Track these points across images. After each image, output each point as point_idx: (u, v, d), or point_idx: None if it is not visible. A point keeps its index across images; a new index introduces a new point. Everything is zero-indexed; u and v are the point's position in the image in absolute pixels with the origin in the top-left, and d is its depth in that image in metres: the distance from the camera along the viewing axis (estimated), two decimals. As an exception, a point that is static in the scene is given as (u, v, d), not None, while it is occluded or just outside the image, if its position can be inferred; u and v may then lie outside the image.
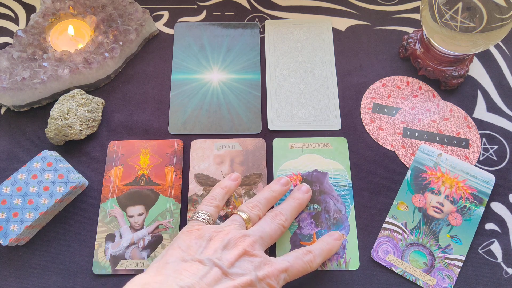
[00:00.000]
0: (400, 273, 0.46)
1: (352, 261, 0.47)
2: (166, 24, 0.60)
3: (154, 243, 0.48)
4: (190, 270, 0.37)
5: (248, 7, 0.61)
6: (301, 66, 0.57)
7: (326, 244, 0.44)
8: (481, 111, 0.54)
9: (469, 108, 0.54)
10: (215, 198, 0.44)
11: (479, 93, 0.55)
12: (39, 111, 0.55)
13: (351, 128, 0.53)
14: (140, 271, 0.46)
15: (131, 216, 0.49)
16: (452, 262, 0.46)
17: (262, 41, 0.59)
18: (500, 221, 0.49)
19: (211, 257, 0.38)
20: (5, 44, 0.59)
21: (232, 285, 0.36)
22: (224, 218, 0.49)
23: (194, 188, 0.50)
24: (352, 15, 0.60)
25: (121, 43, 0.55)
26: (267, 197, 0.45)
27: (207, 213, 0.43)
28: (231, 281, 0.37)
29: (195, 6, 0.61)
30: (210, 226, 0.41)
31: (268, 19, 0.60)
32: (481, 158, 0.51)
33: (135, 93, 0.56)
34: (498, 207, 0.49)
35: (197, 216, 0.42)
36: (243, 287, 0.37)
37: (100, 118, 0.54)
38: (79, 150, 0.53)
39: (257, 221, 0.44)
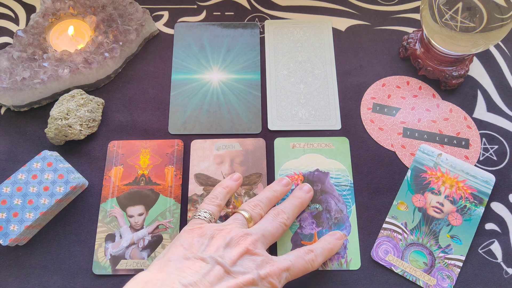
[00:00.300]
0: (400, 273, 0.46)
1: (353, 261, 0.47)
2: (166, 24, 0.60)
3: (154, 243, 0.48)
4: (193, 268, 0.37)
5: (248, 7, 0.61)
6: (301, 66, 0.57)
7: (328, 243, 0.44)
8: (481, 111, 0.54)
9: (469, 108, 0.54)
10: (216, 197, 0.44)
11: (479, 93, 0.55)
12: (39, 111, 0.55)
13: (351, 128, 0.53)
14: (140, 271, 0.46)
15: (131, 216, 0.49)
16: (452, 262, 0.46)
17: (262, 41, 0.59)
18: (500, 221, 0.49)
19: (214, 255, 0.38)
20: (5, 44, 0.59)
21: (235, 283, 0.36)
22: (224, 218, 0.49)
23: (194, 188, 0.50)
24: (352, 15, 0.60)
25: (121, 43, 0.55)
26: (269, 196, 0.45)
27: (209, 212, 0.43)
28: (234, 280, 0.37)
29: (195, 6, 0.61)
30: (212, 224, 0.41)
31: (268, 19, 0.60)
32: (481, 158, 0.51)
33: (135, 93, 0.56)
34: (498, 207, 0.49)
35: (199, 215, 0.42)
36: (245, 286, 0.37)
37: (100, 118, 0.54)
38: (79, 150, 0.52)
39: (258, 220, 0.44)
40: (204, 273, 0.36)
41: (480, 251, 0.47)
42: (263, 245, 0.41)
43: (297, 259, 0.41)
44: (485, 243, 0.48)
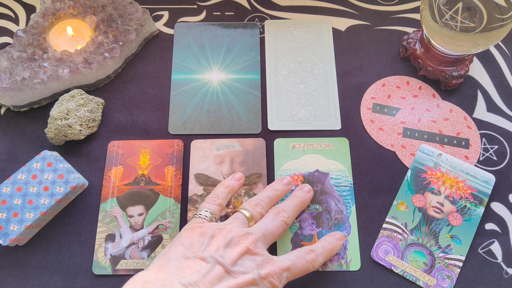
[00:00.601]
0: (400, 273, 0.46)
1: (353, 261, 0.47)
2: (166, 24, 0.60)
3: (154, 243, 0.48)
4: (193, 267, 0.37)
5: (248, 7, 0.61)
6: (301, 66, 0.57)
7: (328, 243, 0.44)
8: (481, 111, 0.54)
9: (469, 108, 0.54)
10: (218, 196, 0.44)
11: (479, 93, 0.55)
12: (39, 111, 0.55)
13: (351, 128, 0.53)
14: (140, 271, 0.46)
15: (131, 216, 0.49)
16: (452, 262, 0.46)
17: (262, 41, 0.59)
18: (500, 221, 0.49)
19: (214, 255, 0.38)
20: (5, 44, 0.59)
21: (235, 283, 0.36)
22: (224, 218, 0.49)
23: (194, 188, 0.50)
24: (352, 15, 0.60)
25: (121, 43, 0.55)
26: (270, 195, 0.45)
27: (210, 211, 0.43)
28: (234, 279, 0.37)
29: (195, 6, 0.61)
30: (213, 223, 0.41)
31: (268, 19, 0.60)
32: (481, 158, 0.51)
33: (135, 93, 0.56)
34: (498, 207, 0.49)
35: (200, 214, 0.42)
36: (246, 285, 0.37)
37: (100, 118, 0.54)
38: (79, 150, 0.52)
39: (259, 219, 0.44)
40: (204, 272, 0.36)
41: (480, 251, 0.47)
42: (264, 245, 0.41)
43: (298, 259, 0.41)
44: (485, 243, 0.48)
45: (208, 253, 0.38)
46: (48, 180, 0.47)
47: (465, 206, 0.48)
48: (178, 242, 0.39)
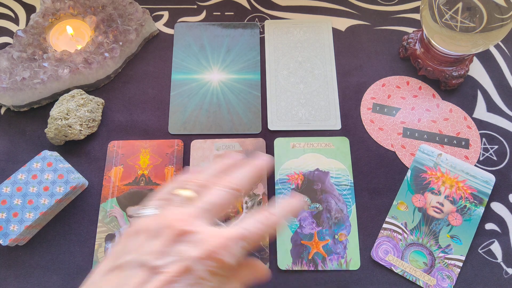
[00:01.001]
0: (400, 273, 0.46)
1: (353, 261, 0.47)
2: (166, 24, 0.60)
3: (154, 243, 0.47)
4: (109, 283, 0.29)
5: (248, 7, 0.61)
6: (301, 66, 0.57)
7: (288, 204, 0.36)
8: (481, 111, 0.54)
9: (469, 108, 0.54)
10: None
11: (479, 93, 0.55)
12: (39, 111, 0.55)
13: (351, 128, 0.53)
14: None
15: (131, 216, 0.49)
16: (452, 262, 0.46)
17: (262, 41, 0.59)
18: (500, 221, 0.49)
19: (134, 256, 0.30)
20: (5, 44, 0.59)
21: (163, 281, 0.29)
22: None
23: (194, 188, 0.50)
24: (352, 15, 0.60)
25: (121, 43, 0.55)
26: (215, 168, 0.38)
27: (154, 207, 0.36)
28: (159, 277, 0.29)
29: (195, 6, 0.61)
30: (150, 217, 0.34)
31: (268, 19, 0.60)
32: (481, 158, 0.51)
33: (135, 93, 0.56)
34: (498, 207, 0.49)
35: (142, 212, 0.35)
36: (178, 277, 0.29)
37: (100, 118, 0.54)
38: (79, 150, 0.52)
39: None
40: (121, 284, 0.29)
41: (480, 251, 0.47)
42: (207, 220, 0.33)
43: (255, 224, 0.33)
44: (485, 243, 0.47)
45: (129, 256, 0.30)
46: (48, 180, 0.47)
47: (465, 206, 0.48)
48: (108, 254, 0.33)
